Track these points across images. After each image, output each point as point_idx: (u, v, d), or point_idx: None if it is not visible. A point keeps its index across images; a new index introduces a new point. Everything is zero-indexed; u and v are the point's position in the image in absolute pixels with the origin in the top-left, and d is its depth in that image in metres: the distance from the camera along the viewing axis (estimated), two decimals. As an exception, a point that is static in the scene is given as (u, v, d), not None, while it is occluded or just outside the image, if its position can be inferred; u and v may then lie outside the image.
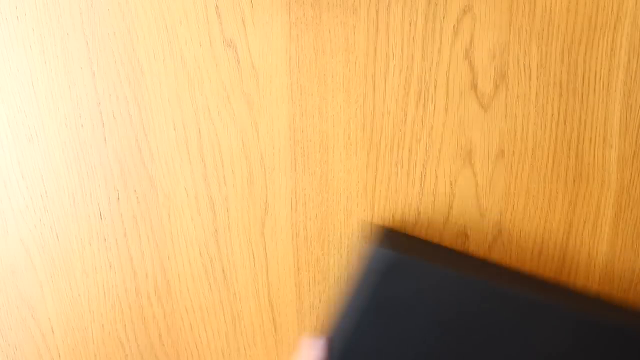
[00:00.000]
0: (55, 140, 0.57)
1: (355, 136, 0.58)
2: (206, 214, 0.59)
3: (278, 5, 0.55)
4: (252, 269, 0.60)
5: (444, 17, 0.55)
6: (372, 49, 0.56)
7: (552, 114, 0.58)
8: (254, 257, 0.60)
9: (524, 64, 0.57)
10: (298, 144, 0.58)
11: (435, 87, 0.57)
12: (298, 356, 0.49)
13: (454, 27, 0.56)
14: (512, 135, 0.58)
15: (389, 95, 0.57)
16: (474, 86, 0.57)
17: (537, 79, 0.57)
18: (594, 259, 0.61)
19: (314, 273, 0.61)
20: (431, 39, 0.56)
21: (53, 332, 0.61)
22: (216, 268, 0.60)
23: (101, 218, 0.59)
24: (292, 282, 0.61)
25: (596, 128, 0.59)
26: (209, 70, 0.56)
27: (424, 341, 0.37)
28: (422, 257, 0.39)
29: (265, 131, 0.57)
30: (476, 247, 0.61)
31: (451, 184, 0.59)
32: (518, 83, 0.57)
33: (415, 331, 0.38)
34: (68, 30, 0.54)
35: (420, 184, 0.59)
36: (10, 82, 0.55)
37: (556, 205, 0.60)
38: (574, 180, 0.60)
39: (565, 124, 0.58)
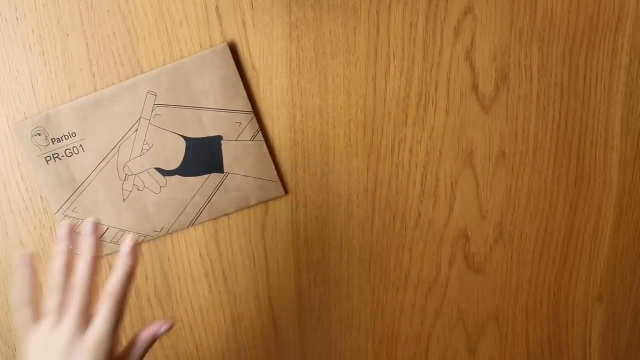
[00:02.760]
0: (55, 141, 0.57)
1: (355, 137, 0.58)
2: (206, 216, 0.59)
3: (278, 7, 0.55)
4: (252, 271, 0.60)
5: (444, 18, 0.55)
6: (372, 50, 0.56)
7: (553, 116, 0.58)
8: (254, 259, 0.60)
9: (525, 65, 0.57)
10: (298, 145, 0.58)
11: (436, 88, 0.57)
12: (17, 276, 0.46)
13: (454, 28, 0.56)
14: (513, 137, 0.58)
15: (390, 96, 0.57)
16: (475, 87, 0.57)
17: (538, 81, 0.57)
18: (595, 261, 0.61)
19: (314, 275, 0.61)
20: (432, 40, 0.56)
21: (53, 334, 0.61)
22: (216, 270, 0.60)
23: (101, 219, 0.59)
24: (293, 284, 0.61)
25: (597, 129, 0.58)
26: (209, 72, 0.56)
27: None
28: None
29: (266, 132, 0.57)
30: (477, 248, 0.60)
31: (452, 186, 0.59)
32: (519, 84, 0.57)
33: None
34: (68, 32, 0.54)
35: (421, 186, 0.59)
36: (10, 83, 0.55)
37: (557, 206, 0.60)
38: (575, 182, 0.59)
39: (566, 125, 0.58)
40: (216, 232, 0.59)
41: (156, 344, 0.61)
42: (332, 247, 0.60)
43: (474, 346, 0.63)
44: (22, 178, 0.57)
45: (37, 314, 0.44)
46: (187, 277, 0.60)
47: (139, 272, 0.59)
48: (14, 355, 0.61)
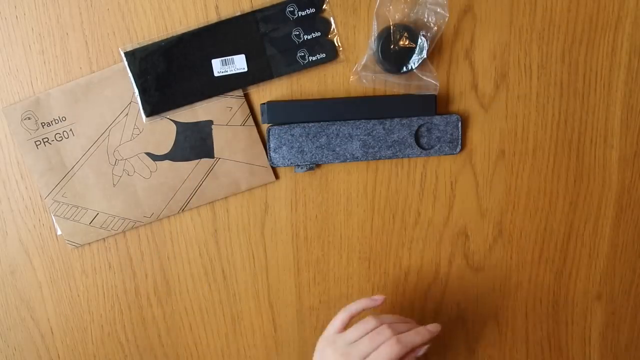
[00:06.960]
0: (55, 140, 0.57)
1: (355, 136, 0.58)
2: (206, 214, 0.58)
3: (278, 5, 0.55)
4: (252, 270, 0.60)
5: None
6: (372, 48, 0.56)
7: (553, 114, 0.58)
8: (253, 258, 0.60)
9: (524, 64, 0.57)
10: (298, 144, 0.58)
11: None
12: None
13: (454, 26, 0.56)
14: (512, 136, 0.58)
15: (389, 95, 0.57)
16: (475, 86, 0.57)
17: (538, 79, 0.57)
18: (595, 259, 0.61)
19: (314, 274, 0.61)
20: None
21: (52, 332, 0.61)
22: (216, 268, 0.60)
23: (100, 218, 0.59)
24: (292, 283, 0.61)
25: (597, 128, 0.58)
26: (208, 70, 0.56)
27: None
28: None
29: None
30: (476, 247, 0.60)
31: (451, 185, 0.59)
32: (519, 83, 0.57)
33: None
34: (67, 30, 0.54)
35: (421, 185, 0.59)
36: (10, 81, 0.55)
37: (557, 205, 0.60)
38: (575, 181, 0.59)
39: (565, 124, 0.58)
40: (216, 230, 0.59)
41: (155, 342, 0.61)
42: (331, 245, 0.60)
43: (473, 345, 0.63)
44: (21, 177, 0.57)
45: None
46: (186, 276, 0.60)
47: (139, 271, 0.59)
48: (13, 354, 0.61)
